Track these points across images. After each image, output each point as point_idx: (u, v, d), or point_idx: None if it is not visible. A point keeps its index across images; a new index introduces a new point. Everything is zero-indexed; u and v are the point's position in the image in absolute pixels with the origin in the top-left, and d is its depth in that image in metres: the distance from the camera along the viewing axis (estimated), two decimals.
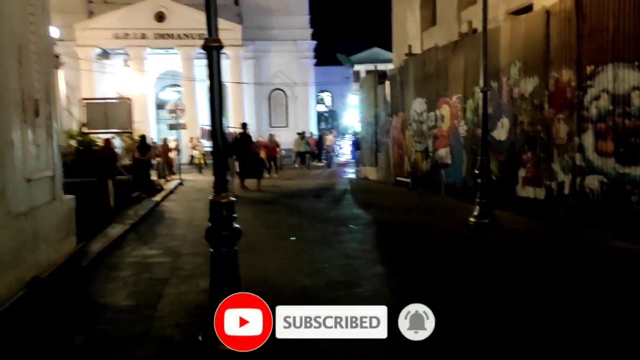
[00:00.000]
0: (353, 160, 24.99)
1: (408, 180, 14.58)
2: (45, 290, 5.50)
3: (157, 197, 13.14)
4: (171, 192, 15.14)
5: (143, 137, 14.65)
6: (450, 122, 11.83)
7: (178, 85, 34.92)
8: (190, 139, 28.42)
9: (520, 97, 9.10)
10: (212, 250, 3.88)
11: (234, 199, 3.95)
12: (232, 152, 14.34)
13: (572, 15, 7.74)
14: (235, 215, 3.91)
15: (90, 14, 33.50)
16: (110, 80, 31.81)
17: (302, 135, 27.62)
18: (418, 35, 15.62)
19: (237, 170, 15.21)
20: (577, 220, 7.87)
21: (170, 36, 32.47)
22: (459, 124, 11.44)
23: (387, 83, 15.68)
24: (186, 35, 32.59)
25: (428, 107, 12.92)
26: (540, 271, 5.93)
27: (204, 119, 34.33)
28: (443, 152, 12.28)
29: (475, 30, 11.36)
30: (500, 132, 9.66)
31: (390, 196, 13.44)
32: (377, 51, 65.29)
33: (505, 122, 9.55)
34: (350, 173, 20.98)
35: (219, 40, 3.54)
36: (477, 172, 8.46)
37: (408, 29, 16.23)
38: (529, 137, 8.94)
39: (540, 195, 8.70)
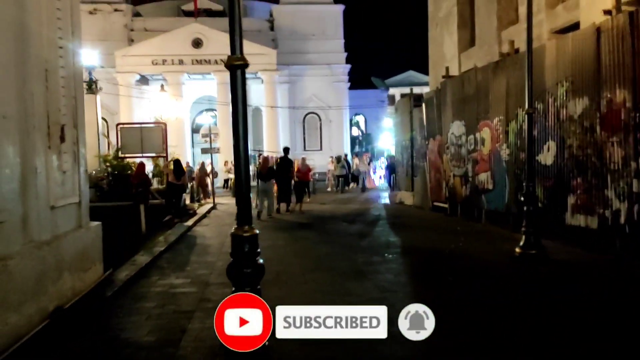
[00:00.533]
0: (388, 185, 24.48)
1: (446, 205, 14.03)
2: (67, 322, 5.26)
3: (189, 222, 12.98)
4: (204, 216, 14.99)
5: (177, 162, 14.59)
6: (492, 146, 11.30)
7: (214, 110, 35.34)
8: (225, 162, 28.50)
9: (569, 118, 8.55)
10: (234, 289, 3.56)
11: (257, 231, 3.64)
12: (273, 175, 14.74)
13: (626, 32, 7.22)
14: (259, 250, 3.58)
15: (131, 41, 34.43)
16: (148, 106, 32.41)
17: (338, 158, 27.35)
18: (456, 57, 15.20)
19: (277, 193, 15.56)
20: (635, 251, 7.21)
21: (207, 62, 32.99)
22: (500, 147, 10.90)
23: (424, 106, 15.27)
24: (222, 61, 32.51)
25: (467, 130, 12.43)
26: (599, 311, 5.35)
27: None
28: (484, 176, 11.73)
29: (517, 50, 10.88)
30: (547, 156, 9.09)
31: (427, 222, 12.90)
32: (412, 74, 65.13)
33: (551, 145, 8.99)
34: (385, 197, 20.48)
35: (243, 59, 3.24)
36: (522, 198, 7.92)
37: (445, 51, 15.83)
38: (579, 161, 8.35)
39: (592, 224, 8.06)
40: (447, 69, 14.25)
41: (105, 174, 15.27)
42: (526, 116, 7.72)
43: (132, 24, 35.41)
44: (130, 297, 6.35)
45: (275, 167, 15.37)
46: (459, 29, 15.19)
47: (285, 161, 15.49)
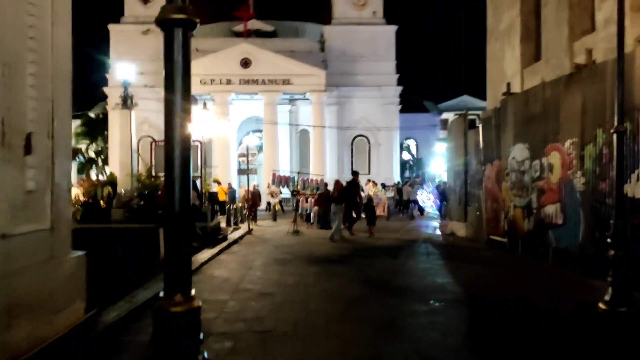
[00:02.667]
0: (438, 213, 22.73)
1: (504, 240, 12.30)
2: None
3: (215, 249, 11.84)
4: (234, 242, 13.87)
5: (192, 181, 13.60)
6: (562, 173, 9.61)
7: (261, 131, 34.73)
8: (268, 184, 27.52)
9: None
10: None
11: (198, 304, 2.23)
12: (342, 199, 15.15)
13: None
14: (200, 336, 2.16)
15: None
16: (197, 125, 32.09)
17: (383, 185, 25.97)
18: (518, 73, 13.62)
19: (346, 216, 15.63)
20: None
21: (255, 82, 32.52)
22: (574, 175, 9.21)
23: (480, 127, 13.71)
24: (270, 81, 32.51)
25: (532, 154, 10.78)
26: None
27: (285, 165, 33.74)
28: (552, 209, 10.01)
29: (595, 62, 9.24)
30: (636, 187, 7.38)
31: (483, 260, 11.22)
32: (466, 99, 63.09)
33: None
34: (435, 227, 18.78)
35: (186, 10, 1.96)
36: (609, 240, 6.26)
37: (505, 67, 14.28)
38: None
39: None
40: (508, 85, 12.67)
41: (135, 194, 14.47)
42: (615, 136, 6.13)
43: None
44: (110, 349, 5.16)
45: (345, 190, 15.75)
46: (522, 41, 13.61)
47: (354, 184, 15.92)
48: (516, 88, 13.15)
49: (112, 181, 15.54)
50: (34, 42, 4.68)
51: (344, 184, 16.30)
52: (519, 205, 11.47)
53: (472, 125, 15.46)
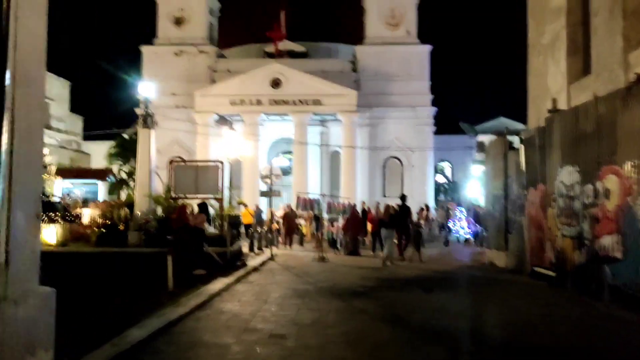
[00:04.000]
0: (474, 240, 21.33)
1: (551, 273, 11.01)
2: None
3: (230, 278, 10.93)
4: (254, 269, 12.96)
5: (200, 204, 12.88)
6: (621, 199, 8.38)
7: (291, 153, 34.07)
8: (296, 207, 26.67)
9: None
10: None
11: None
12: (393, 223, 14.88)
13: None
14: None
15: (213, 82, 34.31)
16: (224, 145, 31.67)
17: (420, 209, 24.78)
18: (564, 89, 12.44)
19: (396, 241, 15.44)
20: None
21: (285, 102, 32.01)
22: (635, 201, 7.98)
23: (522, 147, 12.53)
24: (300, 102, 31.94)
25: (583, 177, 9.57)
26: None
27: (315, 187, 32.85)
28: (608, 240, 8.75)
29: None
30: None
31: (528, 297, 9.95)
32: (503, 121, 61.18)
33: None
34: (472, 256, 17.43)
35: None
36: None
37: (549, 83, 13.14)
38: None
39: None
40: (553, 101, 11.52)
41: (151, 216, 13.81)
42: None
43: (216, 65, 35.45)
44: None
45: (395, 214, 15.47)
46: (569, 55, 12.45)
47: (404, 208, 15.73)
48: (562, 105, 11.98)
49: (129, 202, 14.96)
50: None
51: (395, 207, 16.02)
52: (569, 235, 10.21)
53: (511, 146, 14.30)
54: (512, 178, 13.42)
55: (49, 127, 40.67)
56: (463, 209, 25.85)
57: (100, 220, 14.57)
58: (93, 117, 42.46)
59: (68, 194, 22.75)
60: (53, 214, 14.08)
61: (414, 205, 27.47)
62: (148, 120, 14.46)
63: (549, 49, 13.31)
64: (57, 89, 42.33)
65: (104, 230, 14.31)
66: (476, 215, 22.98)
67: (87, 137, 47.55)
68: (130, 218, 14.29)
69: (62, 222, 14.29)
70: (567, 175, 10.25)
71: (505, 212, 13.81)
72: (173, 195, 14.86)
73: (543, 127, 11.43)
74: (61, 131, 42.21)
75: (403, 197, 16.11)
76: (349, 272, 13.09)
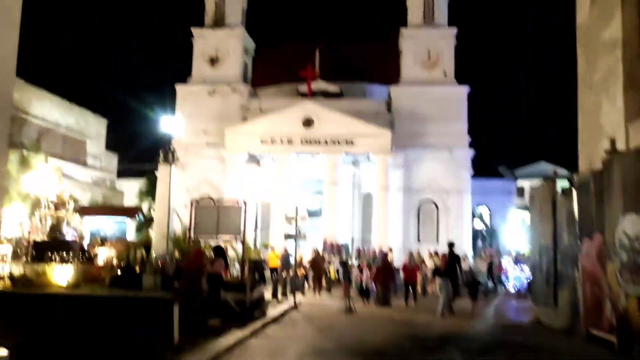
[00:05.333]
0: (516, 292, 19.59)
1: (612, 338, 9.52)
2: None
3: (245, 330, 9.83)
4: (274, 320, 11.82)
5: (216, 248, 11.95)
6: None
7: (322, 193, 33.13)
8: (322, 251, 25.51)
9: None
10: None
11: None
12: (449, 273, 14.40)
13: None
14: None
15: (245, 120, 34.07)
16: (253, 185, 31.08)
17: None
18: (621, 127, 11.20)
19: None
20: None
21: (317, 142, 31.33)
22: None
23: (575, 193, 11.22)
24: (332, 141, 31.21)
25: None
26: None
27: (346, 230, 31.65)
28: None
29: None
30: None
31: None
32: (544, 166, 59.43)
33: None
34: (517, 311, 15.79)
35: None
36: None
37: (603, 122, 11.92)
38: None
39: None
40: (612, 142, 10.26)
41: (167, 258, 12.95)
42: None
43: (248, 104, 35.33)
44: None
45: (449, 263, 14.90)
46: (626, 91, 11.25)
47: (454, 257, 15.21)
48: (620, 145, 10.71)
49: (146, 243, 14.18)
50: None
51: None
52: (634, 294, 8.80)
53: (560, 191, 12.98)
54: (562, 226, 12.05)
55: (85, 164, 41.23)
56: (508, 258, 24.18)
57: (115, 261, 13.81)
58: (128, 155, 42.76)
59: (97, 235, 22.32)
60: (66, 254, 13.39)
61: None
62: (169, 157, 13.80)
63: (602, 85, 12.15)
64: (94, 127, 43.04)
65: (118, 272, 13.52)
66: (518, 264, 21.37)
67: (121, 174, 48.09)
68: (147, 259, 13.47)
69: (75, 263, 13.57)
70: (630, 225, 8.91)
71: (554, 264, 12.36)
72: (192, 236, 14.02)
73: (599, 170, 10.16)
74: (96, 168, 42.72)
75: (451, 245, 15.44)
76: (378, 327, 11.82)
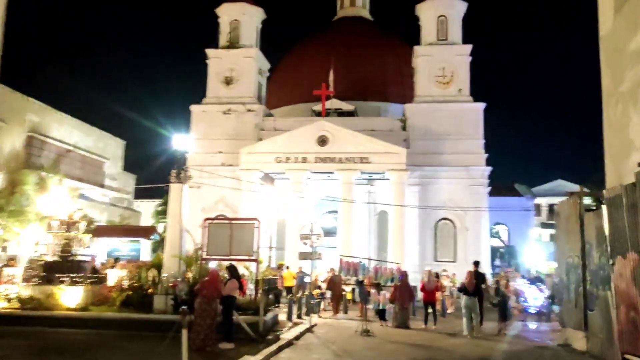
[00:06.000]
0: (543, 314, 18.79)
1: None
2: None
3: (258, 357, 9.34)
4: (288, 344, 11.29)
5: (230, 267, 11.54)
6: None
7: (337, 212, 32.68)
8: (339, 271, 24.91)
9: None
10: None
11: None
12: (477, 291, 14.09)
13: None
14: None
15: (259, 140, 33.92)
16: (268, 204, 30.74)
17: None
18: None
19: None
20: None
21: (332, 160, 31.02)
22: None
23: (605, 208, 10.66)
24: (347, 159, 30.88)
25: None
26: None
27: (361, 248, 31.08)
28: None
29: None
30: None
31: None
32: (562, 183, 58.62)
33: None
34: (543, 334, 15.04)
35: None
36: None
37: (632, 135, 11.38)
38: None
39: None
40: None
41: (178, 279, 12.57)
42: None
43: (263, 124, 35.26)
44: None
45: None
46: None
47: (480, 275, 14.99)
48: None
49: (158, 263, 13.83)
50: None
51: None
52: None
53: (587, 208, 12.41)
54: (592, 244, 11.44)
55: (102, 185, 41.34)
56: (522, 280, 23.36)
57: (126, 282, 13.47)
58: (145, 175, 42.89)
59: (116, 258, 22.10)
60: (76, 276, 13.09)
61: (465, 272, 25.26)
62: (181, 175, 13.52)
63: (630, 97, 11.64)
64: (112, 149, 43.31)
65: (130, 293, 13.17)
66: (535, 283, 20.67)
67: (138, 195, 48.15)
68: (158, 280, 13.11)
69: (85, 284, 13.25)
70: None
71: (583, 285, 11.73)
72: (205, 256, 13.66)
73: (632, 183, 9.62)
74: (114, 189, 42.81)
75: (477, 263, 15.30)
76: (396, 351, 11.25)
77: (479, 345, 12.31)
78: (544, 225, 51.31)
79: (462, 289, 14.14)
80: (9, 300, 12.97)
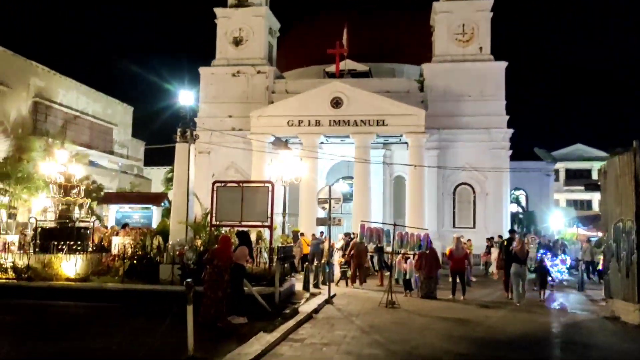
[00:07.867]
0: (558, 282, 17.36)
1: None
2: None
3: (274, 333, 8.24)
4: (307, 317, 10.20)
5: (240, 233, 10.40)
6: None
7: (352, 178, 31.45)
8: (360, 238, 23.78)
9: None
10: None
11: None
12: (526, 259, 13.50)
13: None
14: None
15: (270, 103, 32.52)
16: (280, 168, 29.56)
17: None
18: None
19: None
20: None
21: (346, 123, 29.52)
22: None
23: None
24: (363, 122, 29.37)
25: None
26: None
27: (377, 215, 29.94)
28: None
29: None
30: None
31: None
32: (580, 147, 56.87)
33: None
34: (583, 306, 13.76)
35: None
36: None
37: None
38: None
39: None
40: None
41: (186, 247, 11.48)
42: None
43: (274, 87, 33.72)
44: None
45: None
46: None
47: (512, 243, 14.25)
48: None
49: (163, 230, 12.75)
50: None
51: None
52: None
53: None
54: None
55: (112, 152, 40.44)
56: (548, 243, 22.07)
57: (130, 251, 12.42)
58: (155, 142, 41.82)
59: (124, 224, 21.22)
60: (74, 243, 12.04)
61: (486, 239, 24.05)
62: (187, 134, 12.28)
63: None
64: (120, 115, 42.22)
65: (134, 262, 12.13)
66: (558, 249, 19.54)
67: (148, 162, 47.26)
68: (164, 248, 12.05)
69: (85, 253, 12.23)
70: None
71: (638, 252, 10.45)
72: (214, 222, 12.54)
73: None
74: (123, 156, 41.95)
75: (513, 231, 15.15)
76: (428, 326, 10.13)
77: (516, 319, 11.16)
78: (564, 190, 49.78)
79: (514, 257, 13.32)
80: (5, 270, 12.03)
